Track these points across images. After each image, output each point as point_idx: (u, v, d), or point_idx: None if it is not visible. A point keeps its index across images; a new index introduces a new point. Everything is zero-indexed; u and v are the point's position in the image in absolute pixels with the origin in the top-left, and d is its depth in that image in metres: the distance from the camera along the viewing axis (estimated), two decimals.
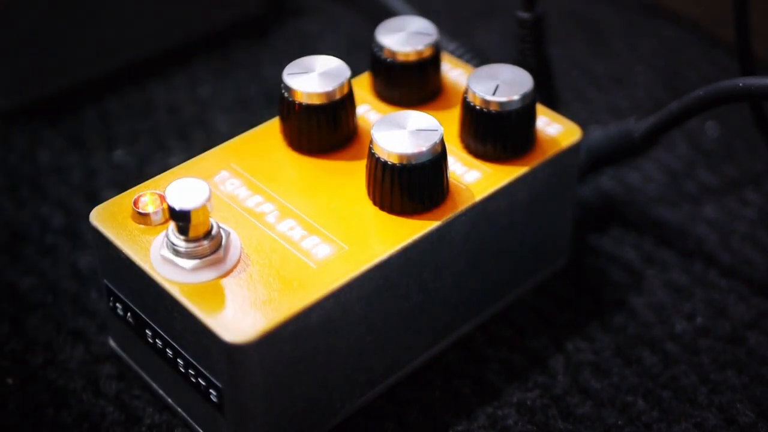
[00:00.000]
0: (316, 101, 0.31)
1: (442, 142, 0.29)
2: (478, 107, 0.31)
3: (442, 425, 0.31)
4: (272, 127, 0.33)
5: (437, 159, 0.29)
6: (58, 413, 0.31)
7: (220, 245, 0.28)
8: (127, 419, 0.31)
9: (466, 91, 0.32)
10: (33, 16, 0.40)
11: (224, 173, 0.31)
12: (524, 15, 0.35)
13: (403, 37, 0.33)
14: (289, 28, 0.46)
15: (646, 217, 0.38)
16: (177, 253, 0.28)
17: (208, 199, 0.27)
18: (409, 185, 0.29)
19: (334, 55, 0.32)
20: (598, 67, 0.45)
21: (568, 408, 0.31)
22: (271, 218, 0.30)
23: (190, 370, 0.29)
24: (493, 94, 0.31)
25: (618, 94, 0.44)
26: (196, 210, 0.27)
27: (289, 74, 0.31)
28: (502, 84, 0.31)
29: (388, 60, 0.33)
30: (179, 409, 0.30)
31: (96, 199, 0.38)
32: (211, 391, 0.28)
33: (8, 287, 0.35)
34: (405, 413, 0.31)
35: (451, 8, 0.48)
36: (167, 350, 0.29)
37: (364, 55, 0.35)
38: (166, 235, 0.28)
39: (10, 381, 0.32)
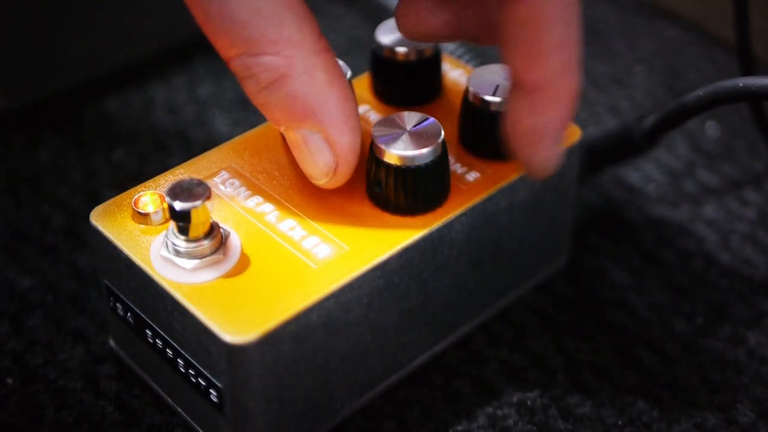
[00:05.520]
0: None
1: (442, 143, 0.29)
2: (478, 107, 0.31)
3: (442, 425, 0.31)
4: (272, 127, 0.33)
5: (438, 160, 0.29)
6: (58, 413, 0.31)
7: (220, 245, 0.28)
8: (127, 419, 0.31)
9: (466, 91, 0.32)
10: (33, 16, 0.40)
11: (224, 173, 0.31)
12: None
13: (404, 36, 0.33)
14: None
15: (646, 217, 0.38)
16: (177, 253, 0.28)
17: (208, 199, 0.27)
18: (410, 186, 0.29)
19: None
20: (598, 67, 0.45)
21: (568, 408, 0.31)
22: (271, 218, 0.30)
23: (190, 370, 0.29)
24: (493, 94, 0.31)
25: (618, 94, 0.44)
26: (196, 210, 0.27)
27: None
28: (502, 84, 0.31)
29: (388, 60, 0.33)
30: (179, 409, 0.30)
31: (96, 199, 0.38)
32: (211, 391, 0.28)
33: (8, 287, 0.35)
34: (405, 413, 0.31)
35: None
36: (167, 350, 0.29)
37: (364, 55, 0.35)
38: (166, 235, 0.28)
39: (10, 381, 0.32)
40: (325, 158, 0.28)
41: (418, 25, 0.30)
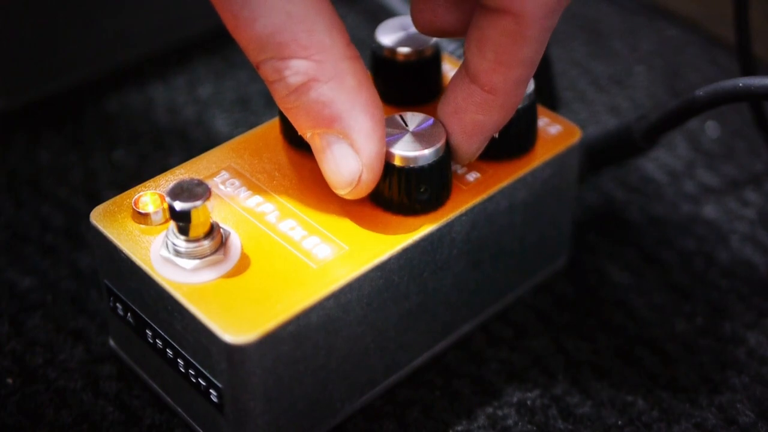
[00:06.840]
0: None
1: (444, 144, 0.29)
2: None
3: (442, 425, 0.31)
4: (272, 127, 0.33)
5: (439, 160, 0.29)
6: (58, 413, 0.31)
7: (220, 245, 0.28)
8: (127, 419, 0.31)
9: None
10: (33, 16, 0.40)
11: (224, 173, 0.31)
12: None
13: (404, 37, 0.33)
14: None
15: (646, 217, 0.38)
16: (177, 253, 0.28)
17: (208, 199, 0.27)
18: (411, 186, 0.29)
19: None
20: (598, 67, 0.45)
21: (568, 408, 0.31)
22: (271, 218, 0.30)
23: (190, 370, 0.29)
24: None
25: (618, 94, 0.44)
26: (197, 210, 0.27)
27: None
28: None
29: (389, 60, 0.33)
30: (179, 409, 0.30)
31: (96, 199, 0.38)
32: (211, 391, 0.28)
33: (8, 287, 0.35)
34: (405, 413, 0.31)
35: None
36: (167, 350, 0.29)
37: (364, 55, 0.35)
38: (167, 236, 0.28)
39: (10, 381, 0.32)
40: (350, 166, 0.28)
41: (434, 21, 0.30)
